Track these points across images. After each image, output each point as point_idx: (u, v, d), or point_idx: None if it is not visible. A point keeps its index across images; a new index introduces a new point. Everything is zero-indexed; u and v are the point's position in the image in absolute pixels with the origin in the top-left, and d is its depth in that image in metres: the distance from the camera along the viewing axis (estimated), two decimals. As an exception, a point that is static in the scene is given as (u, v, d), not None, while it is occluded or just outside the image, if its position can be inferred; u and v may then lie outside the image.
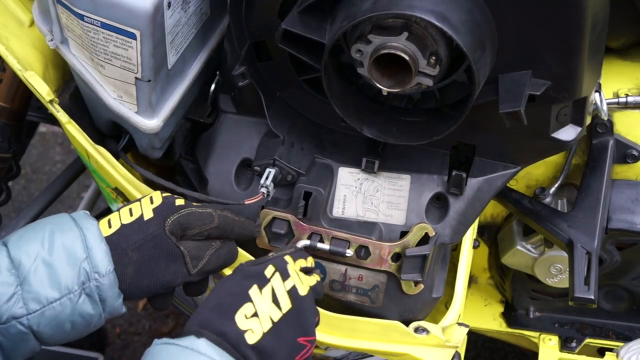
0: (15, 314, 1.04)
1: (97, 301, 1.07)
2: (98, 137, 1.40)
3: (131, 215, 1.13)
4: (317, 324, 1.12)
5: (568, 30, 1.11)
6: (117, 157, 1.36)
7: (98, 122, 1.40)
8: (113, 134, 1.40)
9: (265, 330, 1.03)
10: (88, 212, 1.14)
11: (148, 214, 1.13)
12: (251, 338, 1.02)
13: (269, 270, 1.08)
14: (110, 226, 1.12)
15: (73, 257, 1.07)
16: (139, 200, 1.16)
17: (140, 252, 1.11)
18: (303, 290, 1.09)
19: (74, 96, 1.37)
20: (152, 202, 1.15)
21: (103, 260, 1.08)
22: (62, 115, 1.30)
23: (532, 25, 1.11)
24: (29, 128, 1.83)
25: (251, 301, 1.04)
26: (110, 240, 1.10)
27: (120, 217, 1.13)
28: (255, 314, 1.04)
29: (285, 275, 1.09)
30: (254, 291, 1.05)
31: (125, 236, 1.11)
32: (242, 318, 1.02)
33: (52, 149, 2.70)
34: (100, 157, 1.31)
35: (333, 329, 1.26)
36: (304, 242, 1.26)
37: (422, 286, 1.28)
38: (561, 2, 1.08)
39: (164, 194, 1.17)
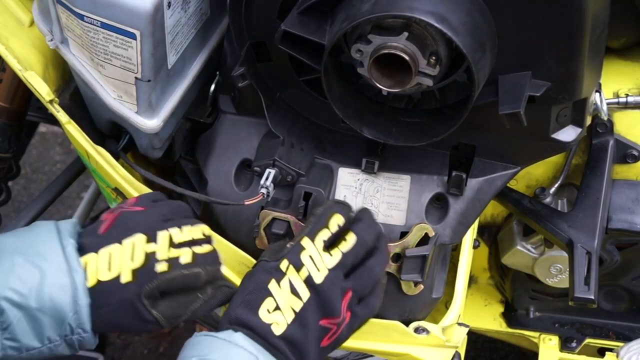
0: None
1: (77, 348, 1.08)
2: (98, 137, 1.40)
3: (109, 269, 1.08)
4: (360, 294, 1.13)
5: (568, 31, 1.11)
6: (117, 157, 1.36)
7: (98, 122, 1.40)
8: (113, 134, 1.40)
9: (289, 322, 1.07)
10: (73, 234, 1.09)
11: (126, 277, 1.08)
12: (277, 330, 1.06)
13: (284, 264, 1.10)
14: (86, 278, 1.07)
15: (60, 313, 1.05)
16: (120, 243, 1.10)
17: (113, 314, 1.08)
18: (319, 278, 1.10)
19: (74, 96, 1.37)
20: (132, 260, 1.09)
21: (88, 317, 1.06)
22: (62, 115, 1.30)
23: (532, 26, 1.11)
24: (29, 128, 1.83)
25: (272, 295, 1.08)
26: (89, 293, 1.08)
27: (98, 267, 1.08)
28: (277, 307, 1.07)
29: (298, 266, 1.10)
30: (272, 285, 1.09)
31: (102, 295, 1.07)
32: (265, 313, 1.07)
33: (52, 149, 2.70)
34: (100, 158, 1.31)
35: (333, 329, 1.26)
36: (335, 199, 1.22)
37: (421, 286, 1.28)
38: (561, 3, 1.08)
39: (148, 248, 1.10)
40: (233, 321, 1.07)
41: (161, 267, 1.09)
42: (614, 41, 1.40)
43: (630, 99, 1.40)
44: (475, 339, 2.16)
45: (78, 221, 1.13)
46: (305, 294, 1.09)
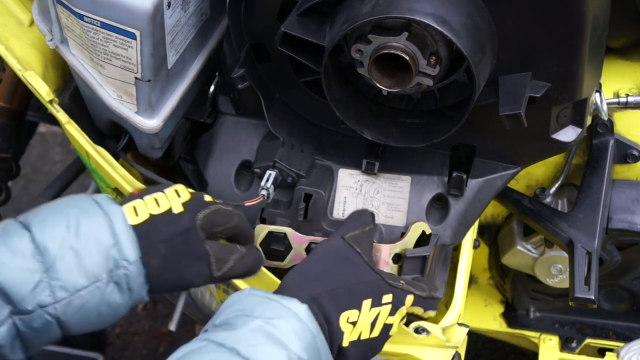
0: (42, 302, 0.99)
1: (125, 290, 1.04)
2: (98, 137, 1.40)
3: (158, 205, 1.09)
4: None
5: (568, 32, 1.11)
6: (116, 157, 1.36)
7: (98, 122, 1.40)
8: (113, 134, 1.40)
9: (352, 339, 1.06)
10: (111, 197, 1.10)
11: (178, 208, 1.10)
12: (344, 341, 1.05)
13: (387, 298, 1.10)
14: (137, 214, 1.08)
15: (101, 243, 1.03)
16: (162, 190, 1.12)
17: (169, 246, 1.07)
18: (393, 331, 1.11)
19: (74, 96, 1.37)
20: (179, 196, 1.12)
21: (131, 248, 1.05)
22: (61, 115, 1.30)
23: (532, 27, 1.10)
24: (29, 128, 1.83)
25: (359, 310, 1.06)
26: (139, 229, 1.06)
27: (147, 206, 1.09)
28: (355, 323, 1.06)
29: (393, 312, 1.10)
30: (366, 304, 1.07)
31: (156, 228, 1.08)
32: (344, 320, 1.05)
33: (52, 149, 2.70)
34: (100, 158, 1.31)
35: (333, 330, 1.26)
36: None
37: None
38: (561, 4, 1.08)
39: (190, 190, 1.14)
40: (312, 296, 1.03)
41: (207, 197, 1.13)
42: (614, 41, 1.40)
43: (630, 99, 1.40)
44: (476, 339, 2.15)
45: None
46: (376, 332, 1.09)
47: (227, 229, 1.14)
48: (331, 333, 1.03)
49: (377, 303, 1.08)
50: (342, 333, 1.04)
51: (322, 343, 1.00)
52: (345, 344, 1.04)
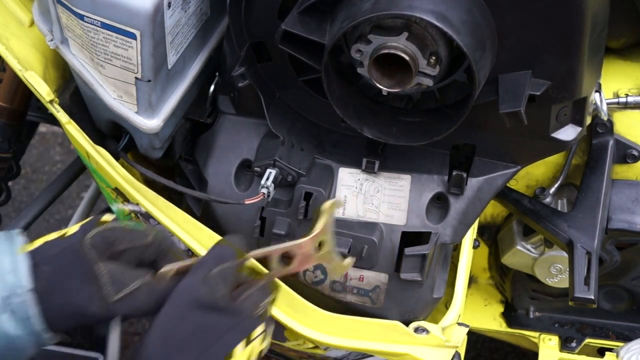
0: None
1: (21, 319, 0.96)
2: (98, 137, 1.40)
3: (58, 233, 1.02)
4: None
5: (568, 30, 1.11)
6: (117, 157, 1.36)
7: (98, 122, 1.40)
8: (113, 134, 1.40)
9: None
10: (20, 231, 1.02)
11: (74, 230, 1.01)
12: None
13: (258, 330, 1.00)
14: (33, 244, 1.00)
15: (0, 269, 0.96)
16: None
17: (53, 265, 0.98)
18: (264, 351, 1.03)
19: (74, 96, 1.37)
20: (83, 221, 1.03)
21: (27, 274, 0.97)
22: (62, 115, 1.30)
23: (532, 25, 1.11)
24: (29, 128, 1.83)
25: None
26: (30, 254, 0.98)
27: (50, 236, 1.01)
28: None
29: (264, 338, 1.01)
30: (238, 349, 0.98)
31: (42, 250, 0.99)
32: None
33: (52, 149, 2.70)
34: (100, 158, 1.31)
35: (333, 329, 1.26)
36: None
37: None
38: (561, 2, 1.08)
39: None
40: None
41: (106, 217, 1.02)
42: (614, 41, 1.40)
43: (630, 99, 1.41)
44: (475, 339, 2.16)
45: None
46: None
47: (135, 249, 1.01)
48: None
49: (248, 341, 0.98)
50: None
51: None
52: None
